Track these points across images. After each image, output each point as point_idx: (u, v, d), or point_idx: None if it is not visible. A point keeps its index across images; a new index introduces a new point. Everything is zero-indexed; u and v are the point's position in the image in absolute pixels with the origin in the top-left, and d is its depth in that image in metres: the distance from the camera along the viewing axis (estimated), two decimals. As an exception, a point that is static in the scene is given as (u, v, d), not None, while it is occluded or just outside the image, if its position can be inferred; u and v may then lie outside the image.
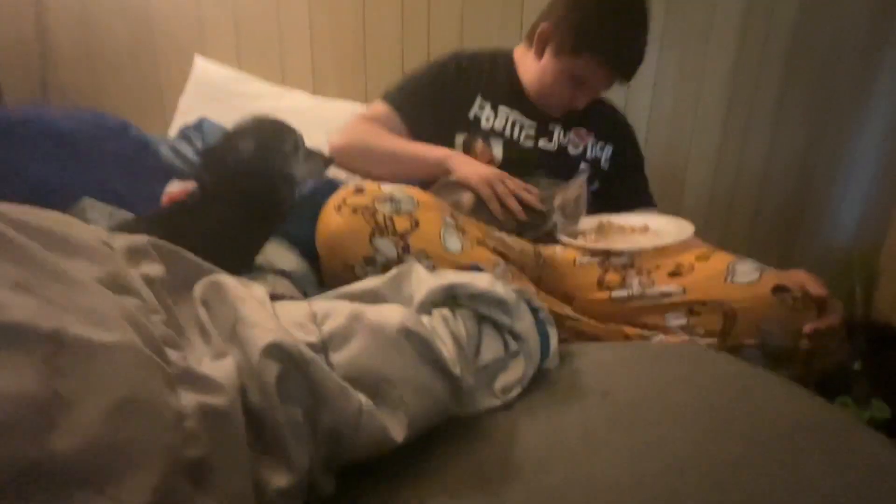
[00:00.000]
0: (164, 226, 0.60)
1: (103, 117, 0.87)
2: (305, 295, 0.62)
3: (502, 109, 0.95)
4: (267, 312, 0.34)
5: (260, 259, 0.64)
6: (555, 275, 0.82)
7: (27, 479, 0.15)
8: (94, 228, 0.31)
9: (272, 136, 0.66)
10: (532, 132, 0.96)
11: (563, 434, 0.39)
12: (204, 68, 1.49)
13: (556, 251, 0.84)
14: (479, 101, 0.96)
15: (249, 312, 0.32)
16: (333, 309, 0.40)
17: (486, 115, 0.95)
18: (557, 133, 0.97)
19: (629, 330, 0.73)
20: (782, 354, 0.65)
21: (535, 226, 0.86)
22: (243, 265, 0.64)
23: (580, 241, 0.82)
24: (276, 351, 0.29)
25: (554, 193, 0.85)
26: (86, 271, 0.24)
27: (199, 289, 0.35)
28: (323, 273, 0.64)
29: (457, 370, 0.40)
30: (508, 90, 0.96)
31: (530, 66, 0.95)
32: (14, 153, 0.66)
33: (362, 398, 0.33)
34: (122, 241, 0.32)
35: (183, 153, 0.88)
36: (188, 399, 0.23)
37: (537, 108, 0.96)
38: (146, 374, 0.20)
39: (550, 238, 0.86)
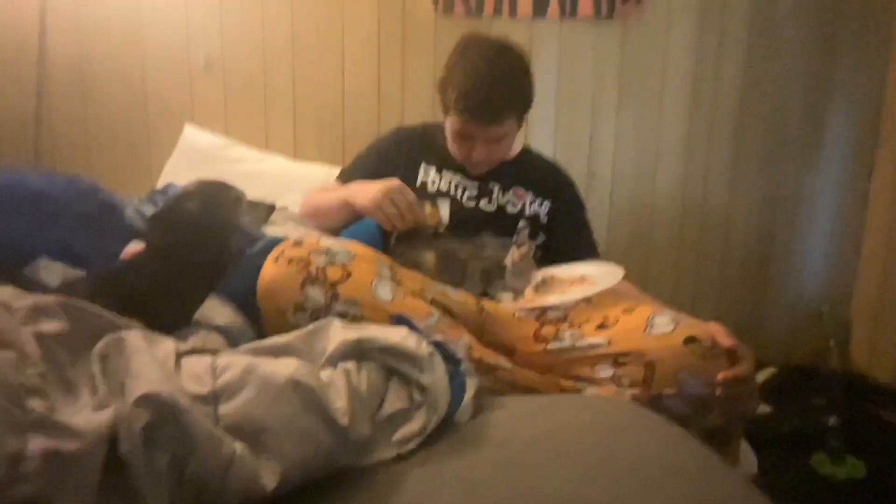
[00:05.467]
0: (110, 283, 0.65)
1: (76, 180, 0.93)
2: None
3: (446, 173, 1.04)
4: (156, 365, 0.37)
5: (197, 314, 0.68)
6: (496, 327, 0.85)
7: None
8: (3, 290, 0.35)
9: (215, 192, 0.72)
10: (474, 193, 1.03)
11: (445, 479, 0.41)
12: (191, 135, 1.61)
13: (497, 305, 0.88)
14: (423, 167, 1.05)
15: (138, 366, 0.36)
16: (232, 362, 0.43)
17: (432, 178, 1.04)
18: (497, 193, 1.04)
19: (564, 382, 0.75)
20: (700, 403, 0.67)
21: (490, 281, 0.91)
22: (182, 318, 0.68)
23: (516, 303, 0.87)
24: (149, 401, 0.33)
25: (504, 256, 0.91)
26: (-35, 329, 0.28)
27: (100, 344, 0.39)
28: (262, 320, 0.68)
29: (345, 421, 0.42)
30: (449, 156, 1.04)
31: None
32: (-21, 213, 0.71)
33: (238, 447, 0.36)
34: (27, 301, 0.36)
35: (145, 214, 0.94)
36: (36, 443, 0.26)
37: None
38: (-13, 419, 0.24)
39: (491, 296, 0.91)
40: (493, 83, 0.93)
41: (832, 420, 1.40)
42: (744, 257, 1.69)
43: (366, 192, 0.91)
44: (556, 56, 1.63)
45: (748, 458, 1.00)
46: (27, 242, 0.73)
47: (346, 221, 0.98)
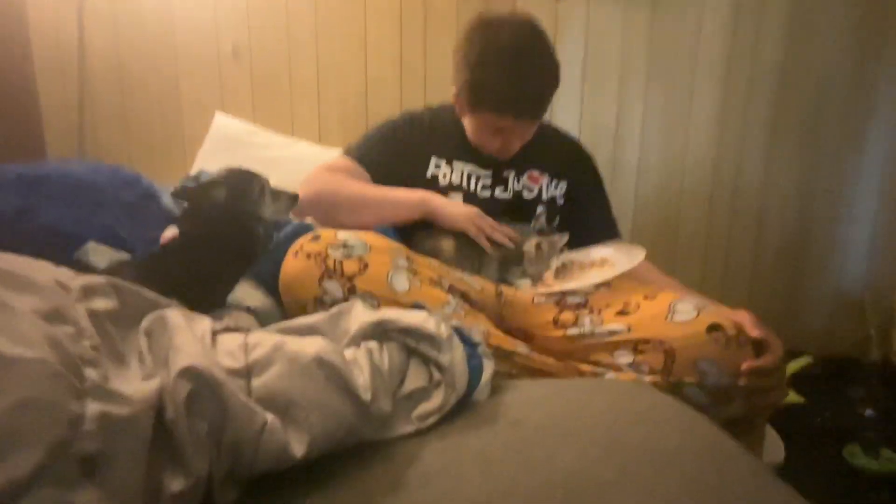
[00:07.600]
0: (149, 267, 0.69)
1: (119, 171, 1.00)
2: (266, 328, 0.68)
3: (457, 164, 0.99)
4: (195, 341, 0.40)
5: (231, 297, 0.72)
6: (514, 313, 0.86)
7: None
8: (59, 271, 0.39)
9: (240, 182, 0.75)
10: (488, 182, 1.00)
11: (459, 454, 0.43)
12: (221, 122, 1.66)
13: (515, 291, 0.89)
14: (433, 160, 1.00)
15: (180, 341, 0.39)
16: (263, 340, 0.46)
17: (443, 171, 0.99)
18: (512, 180, 1.00)
19: (583, 367, 0.76)
20: (721, 392, 0.66)
21: (507, 268, 0.92)
22: (217, 300, 0.72)
23: (535, 288, 0.87)
24: (190, 373, 0.36)
25: (522, 242, 0.91)
26: (30, 304, 0.32)
27: (146, 321, 0.42)
28: (285, 311, 0.71)
29: (367, 396, 0.45)
30: (459, 144, 1.00)
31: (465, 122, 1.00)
32: (32, 200, 0.77)
33: (269, 417, 0.39)
34: (82, 280, 0.40)
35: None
36: (93, 407, 0.29)
37: (488, 157, 0.99)
38: (52, 383, 0.27)
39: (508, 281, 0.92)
40: (533, 78, 0.88)
41: (868, 411, 1.35)
42: (779, 244, 1.63)
43: (451, 203, 0.90)
44: (582, 35, 1.58)
45: (775, 446, 0.98)
46: (77, 230, 0.79)
47: (395, 222, 0.92)
